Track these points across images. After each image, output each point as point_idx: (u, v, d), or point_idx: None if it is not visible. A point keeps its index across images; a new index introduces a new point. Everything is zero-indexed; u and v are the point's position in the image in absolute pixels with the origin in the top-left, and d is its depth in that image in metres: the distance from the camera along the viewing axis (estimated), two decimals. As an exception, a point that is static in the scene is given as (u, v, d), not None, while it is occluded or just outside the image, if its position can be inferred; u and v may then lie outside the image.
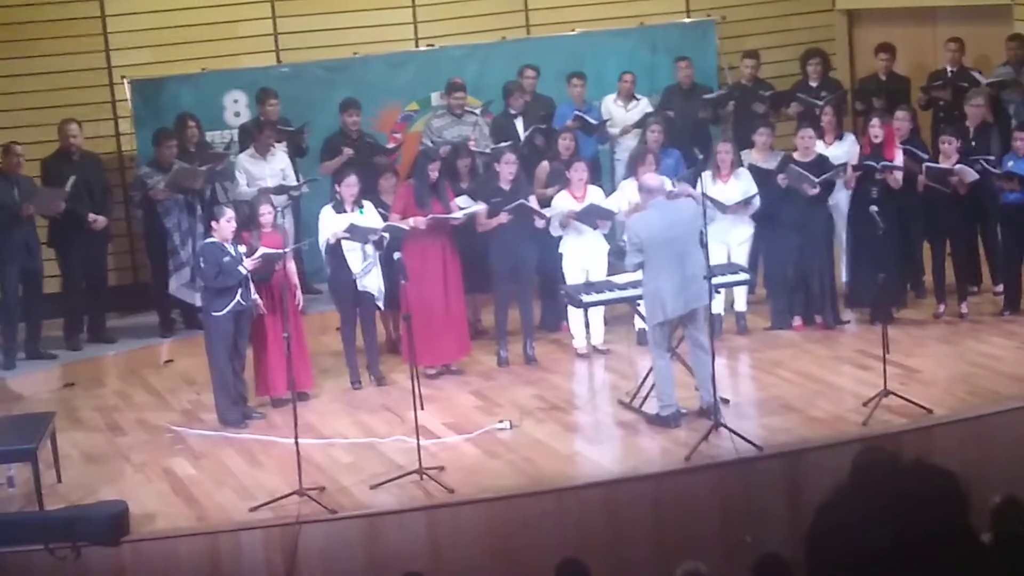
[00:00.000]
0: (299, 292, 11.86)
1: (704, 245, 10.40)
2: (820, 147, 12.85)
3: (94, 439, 11.53)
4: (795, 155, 12.67)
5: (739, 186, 12.57)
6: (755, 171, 12.77)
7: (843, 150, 13.05)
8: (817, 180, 12.34)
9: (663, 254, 10.46)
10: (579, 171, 12.45)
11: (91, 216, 13.09)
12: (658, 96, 14.80)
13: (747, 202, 12.50)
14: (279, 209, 12.58)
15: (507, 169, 12.43)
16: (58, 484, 10.47)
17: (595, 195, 12.48)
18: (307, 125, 14.01)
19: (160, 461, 10.92)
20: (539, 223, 12.35)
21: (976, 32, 15.09)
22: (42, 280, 13.14)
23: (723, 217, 12.27)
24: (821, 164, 12.55)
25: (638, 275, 11.64)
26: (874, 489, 2.71)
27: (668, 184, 12.22)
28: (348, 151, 13.41)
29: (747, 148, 13.28)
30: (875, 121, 12.73)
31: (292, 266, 11.81)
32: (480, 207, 12.26)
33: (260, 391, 11.77)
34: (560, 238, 12.46)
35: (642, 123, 13.98)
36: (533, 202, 12.39)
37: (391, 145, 14.49)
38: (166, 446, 11.25)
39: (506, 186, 12.40)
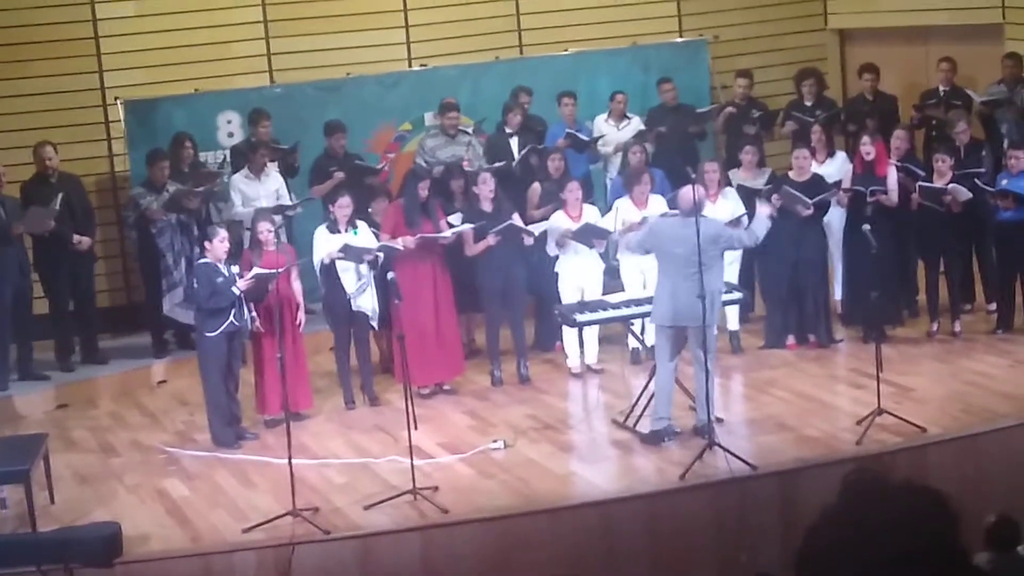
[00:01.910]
0: (301, 311, 11.84)
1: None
2: (812, 166, 12.88)
3: (87, 460, 11.51)
4: (790, 174, 12.70)
5: (727, 205, 12.59)
6: (742, 191, 12.79)
7: (835, 167, 13.09)
8: (811, 202, 12.36)
9: (670, 265, 10.51)
10: (574, 191, 12.46)
11: (76, 237, 13.07)
12: (646, 116, 14.80)
13: (736, 221, 12.51)
14: (276, 228, 12.58)
15: (484, 189, 12.42)
16: (51, 505, 10.45)
17: (591, 214, 12.49)
18: (299, 145, 14.02)
19: (153, 482, 10.90)
20: (527, 241, 12.35)
21: (967, 51, 15.13)
22: (31, 301, 13.11)
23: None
24: (816, 184, 12.57)
25: (632, 294, 11.68)
26: (863, 509, 2.71)
27: (663, 204, 12.27)
28: (339, 174, 13.43)
29: (735, 168, 13.32)
30: (866, 139, 12.78)
31: (297, 285, 11.79)
32: (468, 227, 12.25)
33: (260, 409, 11.76)
34: (556, 257, 12.46)
35: (628, 143, 13.99)
36: (517, 220, 12.38)
37: (381, 164, 14.52)
38: (159, 467, 11.23)
39: (487, 207, 12.39)
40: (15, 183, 13.17)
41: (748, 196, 12.66)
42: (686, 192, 10.74)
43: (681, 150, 14.29)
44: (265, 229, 11.64)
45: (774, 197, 12.45)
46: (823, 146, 13.29)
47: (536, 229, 12.39)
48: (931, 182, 12.54)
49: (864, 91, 14.93)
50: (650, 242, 10.86)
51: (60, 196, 12.87)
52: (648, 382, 11.14)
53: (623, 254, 12.39)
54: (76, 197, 13.32)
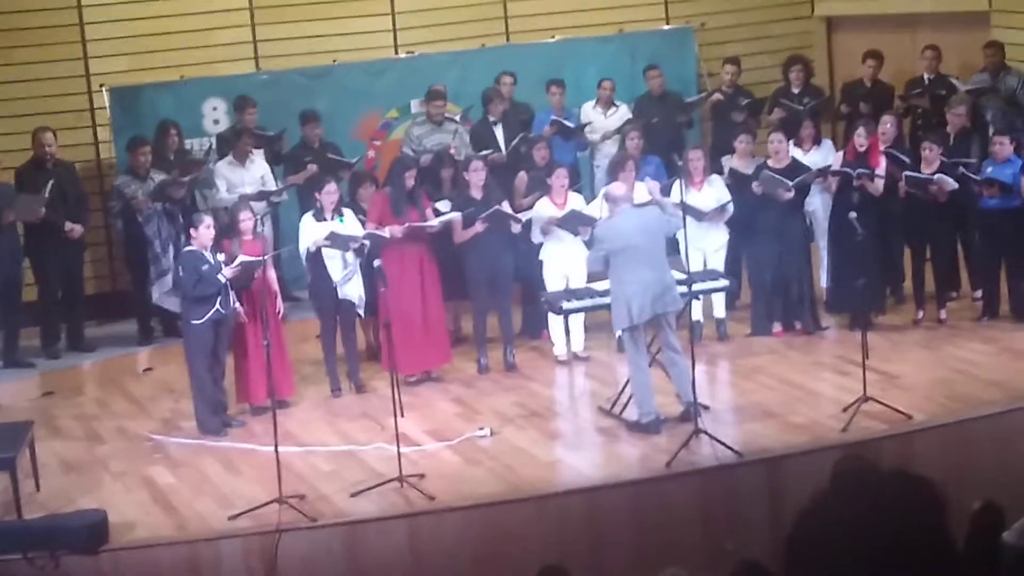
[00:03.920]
0: (280, 299, 11.84)
1: (680, 252, 10.49)
2: (798, 155, 12.89)
3: (73, 448, 11.49)
4: (769, 162, 12.72)
5: (712, 193, 12.60)
6: (736, 176, 12.80)
7: (821, 156, 13.10)
8: (791, 183, 12.38)
9: (629, 260, 10.52)
10: (560, 178, 12.46)
11: (67, 224, 13.05)
12: (632, 104, 14.79)
13: (722, 209, 12.53)
14: (259, 216, 12.59)
15: (476, 177, 12.42)
16: (37, 493, 10.42)
17: (576, 202, 12.49)
18: (284, 132, 14.00)
19: (139, 470, 10.89)
20: (515, 228, 12.34)
21: (955, 39, 15.14)
22: (22, 288, 13.09)
23: (698, 224, 12.28)
24: (795, 169, 12.59)
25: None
26: (853, 496, 2.71)
27: (656, 189, 12.26)
28: (312, 166, 13.43)
29: (726, 155, 13.34)
30: (861, 130, 12.76)
31: (272, 273, 11.79)
32: (455, 215, 12.25)
33: (241, 398, 11.75)
34: (540, 245, 12.46)
35: (621, 130, 14.02)
36: (506, 207, 12.38)
37: (370, 153, 14.51)
38: (145, 455, 11.22)
39: (477, 194, 12.39)
40: (5, 169, 13.11)
41: (740, 182, 12.68)
42: (617, 186, 11.07)
43: (668, 138, 14.30)
44: (247, 218, 11.63)
45: (754, 184, 12.49)
46: (810, 136, 13.29)
47: (523, 217, 12.39)
48: (918, 170, 12.56)
49: (865, 77, 14.92)
50: (607, 247, 10.73)
51: (50, 183, 12.84)
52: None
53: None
54: (69, 184, 13.30)
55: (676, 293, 10.66)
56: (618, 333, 12.39)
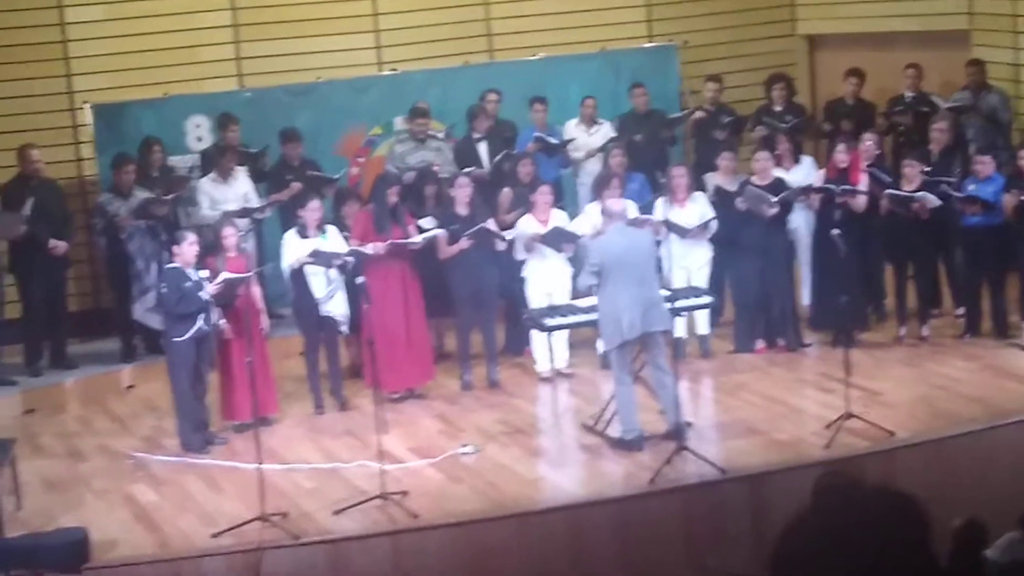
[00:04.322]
0: (264, 316, 11.83)
1: (661, 269, 10.51)
2: (779, 172, 12.94)
3: (55, 466, 11.45)
4: (753, 179, 12.75)
5: (696, 210, 12.63)
6: (720, 193, 12.83)
7: (801, 174, 13.15)
8: (775, 199, 12.42)
9: (621, 277, 10.53)
10: (544, 194, 12.48)
11: (52, 242, 13.03)
12: (616, 122, 14.82)
13: (705, 226, 12.56)
14: (242, 233, 12.58)
15: (462, 193, 12.45)
16: (18, 511, 10.38)
17: (559, 219, 12.51)
18: (267, 149, 14.00)
19: (121, 487, 10.85)
20: (500, 246, 12.36)
21: (935, 57, 15.21)
22: (3, 306, 13.05)
23: (682, 241, 12.30)
24: (778, 186, 12.63)
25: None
26: (836, 513, 2.72)
27: (633, 209, 12.29)
28: (296, 184, 13.45)
29: (709, 172, 13.38)
30: (841, 147, 12.82)
31: (257, 290, 11.78)
32: (440, 232, 12.27)
33: (226, 415, 11.73)
34: (523, 262, 12.47)
35: (604, 147, 14.05)
36: (492, 225, 12.40)
37: (353, 170, 14.52)
38: (127, 472, 11.19)
39: (463, 211, 12.41)
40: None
41: (724, 199, 12.71)
42: (616, 201, 11.09)
43: (652, 155, 14.33)
44: (230, 234, 11.62)
45: (739, 200, 12.53)
46: (789, 153, 13.36)
47: (508, 234, 12.40)
48: (899, 188, 12.60)
49: (847, 95, 14.99)
50: (598, 263, 10.70)
51: (30, 201, 12.81)
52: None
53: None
54: (54, 202, 13.29)
55: (666, 311, 10.68)
56: (603, 349, 12.43)
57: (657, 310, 10.54)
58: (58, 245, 13.08)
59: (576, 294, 12.34)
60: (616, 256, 10.59)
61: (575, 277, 12.58)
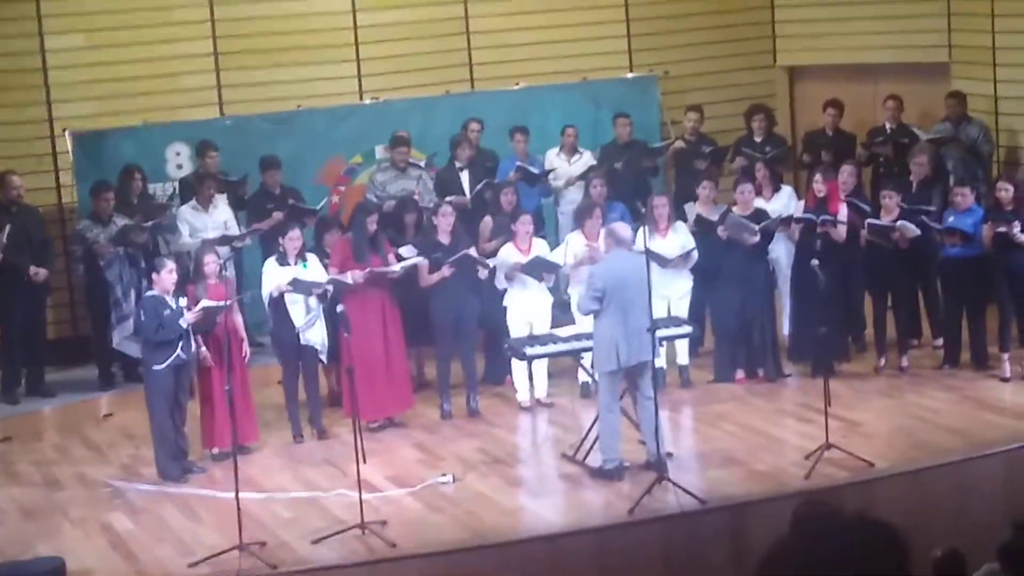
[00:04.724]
0: (246, 344, 11.79)
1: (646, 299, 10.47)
2: (759, 202, 12.96)
3: (31, 494, 11.38)
4: (734, 209, 12.77)
5: (677, 239, 12.64)
6: (701, 222, 12.84)
7: (781, 203, 13.18)
8: (757, 228, 12.44)
9: (620, 304, 10.48)
10: (525, 224, 12.48)
11: (32, 268, 12.99)
12: (598, 151, 14.85)
13: (686, 255, 12.57)
14: (222, 261, 12.54)
15: (444, 221, 12.45)
16: (-6, 540, 10.33)
17: (540, 248, 12.51)
18: (247, 177, 13.99)
19: (98, 516, 10.79)
20: (482, 273, 12.37)
21: (915, 89, 15.28)
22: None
23: (663, 271, 12.29)
24: (759, 217, 12.65)
25: (581, 328, 11.66)
26: (814, 542, 2.71)
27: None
28: (278, 214, 13.45)
29: (689, 202, 13.40)
30: (818, 177, 12.86)
31: (239, 318, 11.75)
32: (420, 260, 12.26)
33: (206, 444, 11.68)
34: (504, 291, 12.46)
35: (585, 176, 14.07)
36: (473, 253, 12.39)
37: (334, 199, 14.52)
38: (105, 501, 11.12)
39: (445, 239, 12.41)
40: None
41: (705, 228, 12.73)
42: (623, 227, 11.02)
43: (634, 185, 14.35)
44: (211, 261, 11.59)
45: (720, 228, 12.54)
46: (768, 182, 13.39)
47: (490, 262, 12.40)
48: (878, 218, 12.63)
49: (826, 126, 15.05)
50: (601, 288, 10.58)
51: (8, 228, 12.78)
52: (597, 416, 11.13)
53: (574, 288, 12.33)
54: (34, 228, 13.26)
55: (651, 340, 10.56)
56: (583, 379, 12.42)
57: (647, 339, 10.49)
58: (39, 272, 13.04)
59: (557, 322, 12.33)
60: (619, 281, 10.52)
61: (554, 306, 12.58)
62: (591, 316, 10.80)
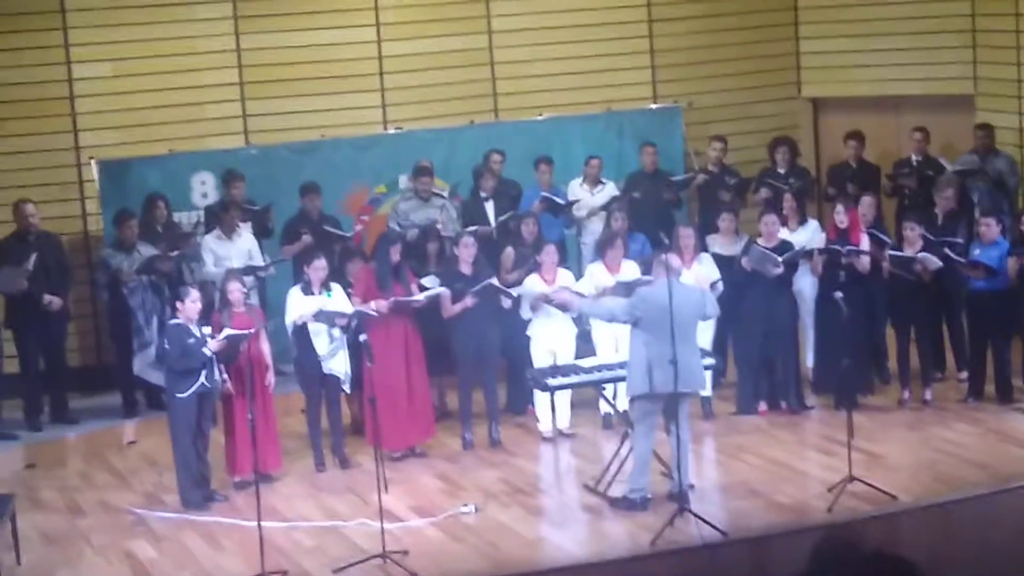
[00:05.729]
0: (271, 372, 11.80)
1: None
2: (784, 233, 12.94)
3: (55, 521, 11.41)
4: (759, 240, 12.76)
5: (702, 271, 12.61)
6: (717, 259, 12.83)
7: (807, 235, 13.14)
8: (780, 259, 12.42)
9: (662, 330, 10.30)
10: (550, 254, 12.47)
11: (46, 297, 13.04)
12: (623, 182, 14.87)
13: (712, 287, 12.54)
14: (247, 290, 12.58)
15: (466, 252, 12.46)
16: (17, 567, 10.34)
17: (565, 278, 12.50)
18: (272, 205, 14.04)
19: (121, 543, 10.80)
20: (506, 303, 12.37)
21: (939, 121, 15.26)
22: (2, 360, 13.05)
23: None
24: (784, 248, 12.63)
25: (605, 359, 11.64)
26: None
27: (635, 270, 12.28)
28: (307, 237, 13.47)
29: (713, 233, 13.38)
30: (839, 208, 12.85)
31: (266, 346, 11.75)
32: (442, 290, 12.27)
33: (229, 471, 11.70)
34: (528, 321, 12.46)
35: (607, 207, 14.07)
36: (497, 282, 12.40)
37: (357, 228, 14.56)
38: (127, 528, 11.14)
39: (466, 269, 12.42)
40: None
41: (723, 264, 12.71)
42: (674, 258, 10.93)
43: (656, 216, 14.35)
44: (235, 289, 11.63)
45: (744, 259, 12.52)
46: (795, 213, 13.36)
47: (514, 291, 12.40)
48: (901, 250, 12.61)
49: (848, 158, 15.04)
50: (641, 308, 10.55)
51: (34, 256, 12.85)
52: (620, 447, 11.11)
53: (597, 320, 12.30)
54: (53, 256, 13.31)
55: (702, 375, 10.57)
56: (605, 410, 12.40)
57: (692, 372, 10.44)
58: (52, 300, 13.08)
59: (581, 353, 12.31)
60: (661, 308, 10.33)
61: (578, 337, 12.56)
62: (612, 345, 10.73)
